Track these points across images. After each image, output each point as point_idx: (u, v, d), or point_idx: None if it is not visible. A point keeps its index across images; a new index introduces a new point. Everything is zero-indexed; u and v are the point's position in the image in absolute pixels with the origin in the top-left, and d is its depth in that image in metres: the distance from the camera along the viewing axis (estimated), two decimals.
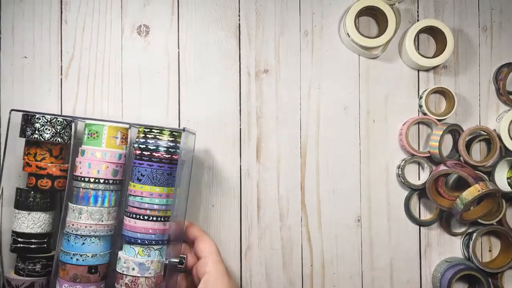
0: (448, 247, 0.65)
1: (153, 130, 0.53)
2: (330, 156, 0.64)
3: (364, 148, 0.64)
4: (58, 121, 0.54)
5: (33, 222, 0.55)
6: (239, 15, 0.64)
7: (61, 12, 0.62)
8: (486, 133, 0.62)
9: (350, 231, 0.64)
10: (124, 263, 0.52)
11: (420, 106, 0.64)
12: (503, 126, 0.62)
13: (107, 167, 0.53)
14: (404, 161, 0.63)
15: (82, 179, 0.53)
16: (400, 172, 0.63)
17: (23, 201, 0.55)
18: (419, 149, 0.64)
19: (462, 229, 0.65)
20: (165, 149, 0.53)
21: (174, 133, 0.53)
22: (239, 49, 0.64)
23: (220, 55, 0.63)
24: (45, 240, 0.55)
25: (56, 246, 0.54)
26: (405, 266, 0.64)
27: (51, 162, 0.55)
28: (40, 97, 0.62)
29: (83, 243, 0.52)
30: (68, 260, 0.51)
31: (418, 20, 0.64)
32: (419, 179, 0.65)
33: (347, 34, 0.61)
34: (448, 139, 0.65)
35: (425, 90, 0.63)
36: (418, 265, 0.65)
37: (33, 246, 0.54)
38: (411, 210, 0.64)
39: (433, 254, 0.65)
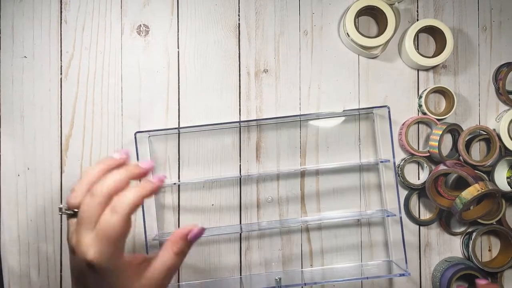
0: (447, 247, 0.65)
1: None
2: (330, 155, 0.64)
3: (364, 148, 0.64)
4: None
5: None
6: (239, 15, 0.64)
7: (61, 12, 0.62)
8: (486, 133, 0.62)
9: (350, 231, 0.64)
10: None
11: (420, 106, 0.64)
12: (502, 126, 0.62)
13: None
14: (403, 161, 0.63)
15: None
16: (399, 172, 0.63)
17: None
18: (418, 149, 0.64)
19: (462, 229, 0.65)
20: None
21: None
22: (239, 48, 0.64)
23: (220, 54, 0.63)
24: None
25: None
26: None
27: None
28: (40, 97, 0.62)
29: None
30: None
31: (417, 20, 0.64)
32: (418, 179, 0.65)
33: (347, 33, 0.61)
34: (448, 138, 0.65)
35: (425, 90, 0.63)
36: (417, 264, 0.65)
37: None
38: (410, 209, 0.64)
39: (432, 253, 0.65)
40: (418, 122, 0.64)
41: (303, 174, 0.64)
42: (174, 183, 0.62)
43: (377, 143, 0.64)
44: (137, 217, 0.62)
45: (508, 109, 0.63)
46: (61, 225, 0.62)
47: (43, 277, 0.62)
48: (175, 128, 0.62)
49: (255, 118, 0.63)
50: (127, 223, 0.42)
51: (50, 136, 0.62)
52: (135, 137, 0.59)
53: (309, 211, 0.64)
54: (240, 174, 0.63)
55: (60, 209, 0.42)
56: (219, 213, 0.63)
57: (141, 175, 0.44)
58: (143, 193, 0.43)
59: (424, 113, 0.63)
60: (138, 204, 0.42)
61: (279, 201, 0.64)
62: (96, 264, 0.41)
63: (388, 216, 0.60)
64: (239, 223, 0.63)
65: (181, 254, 0.45)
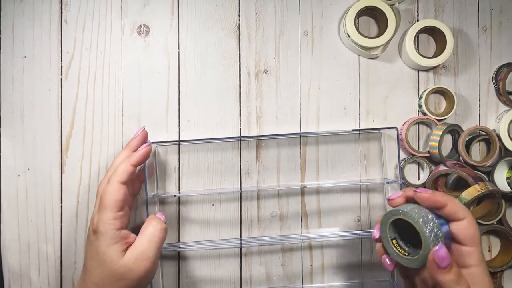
0: None
1: None
2: (330, 156, 0.64)
3: (364, 148, 0.64)
4: None
5: None
6: (239, 15, 0.64)
7: (61, 12, 0.62)
8: (485, 133, 0.62)
9: (350, 231, 0.64)
10: None
11: (420, 106, 0.64)
12: (502, 126, 0.62)
13: None
14: (403, 161, 0.63)
15: None
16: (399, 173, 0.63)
17: None
18: (418, 149, 0.64)
19: None
20: None
21: None
22: (239, 49, 0.64)
23: (220, 55, 0.63)
24: None
25: None
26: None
27: None
28: (40, 97, 0.62)
29: None
30: None
31: (418, 20, 0.64)
32: (418, 179, 0.65)
33: (347, 34, 0.61)
34: (448, 139, 0.65)
35: (425, 90, 0.63)
36: None
37: None
38: None
39: None
40: (418, 122, 0.64)
41: (303, 192, 0.64)
42: (174, 195, 0.62)
43: (383, 162, 0.64)
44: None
45: (508, 110, 0.63)
46: (61, 225, 0.62)
47: (43, 277, 0.62)
48: (184, 141, 0.62)
49: (256, 119, 0.63)
50: (119, 190, 0.50)
51: (50, 136, 0.62)
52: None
53: (311, 227, 0.64)
54: (241, 188, 0.63)
55: None
56: (219, 225, 0.63)
57: (138, 143, 0.55)
58: (132, 161, 0.52)
59: (424, 114, 0.63)
60: (129, 171, 0.51)
61: (280, 216, 0.64)
62: (95, 228, 0.49)
63: None
64: (239, 236, 0.63)
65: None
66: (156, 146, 0.62)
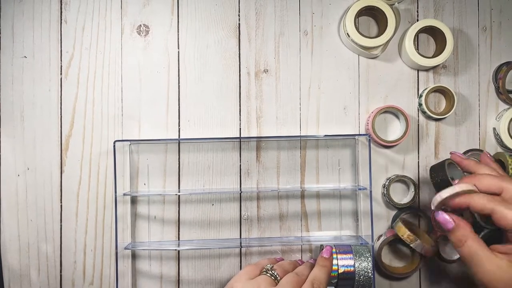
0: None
1: None
2: (329, 155, 0.64)
3: (364, 148, 0.64)
4: None
5: None
6: (239, 15, 0.64)
7: (61, 12, 0.62)
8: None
9: (350, 231, 0.64)
10: None
11: (420, 105, 0.64)
12: (502, 125, 0.62)
13: None
14: (389, 180, 0.62)
15: None
16: (385, 192, 0.62)
17: None
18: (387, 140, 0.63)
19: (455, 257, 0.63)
20: None
21: None
22: (239, 49, 0.64)
23: (220, 55, 0.63)
24: None
25: None
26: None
27: None
28: (40, 97, 0.62)
29: None
30: None
31: (417, 20, 0.64)
32: (405, 197, 0.64)
33: (347, 34, 0.61)
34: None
35: (425, 89, 0.63)
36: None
37: None
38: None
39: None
40: (385, 111, 0.64)
41: (303, 194, 0.64)
42: (176, 194, 0.62)
43: (356, 168, 0.64)
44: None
45: (508, 108, 0.63)
46: (60, 225, 0.62)
47: (43, 277, 0.62)
48: (183, 139, 0.62)
49: (255, 119, 0.63)
50: None
51: (50, 136, 0.62)
52: (125, 147, 0.59)
53: (311, 227, 0.64)
54: (240, 189, 0.63)
55: (266, 270, 0.51)
56: (219, 225, 0.63)
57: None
58: (330, 270, 0.54)
59: (424, 112, 0.63)
60: (328, 279, 0.52)
61: (280, 216, 0.64)
62: None
63: (361, 244, 0.60)
64: (239, 236, 0.63)
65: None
66: (130, 144, 0.62)
